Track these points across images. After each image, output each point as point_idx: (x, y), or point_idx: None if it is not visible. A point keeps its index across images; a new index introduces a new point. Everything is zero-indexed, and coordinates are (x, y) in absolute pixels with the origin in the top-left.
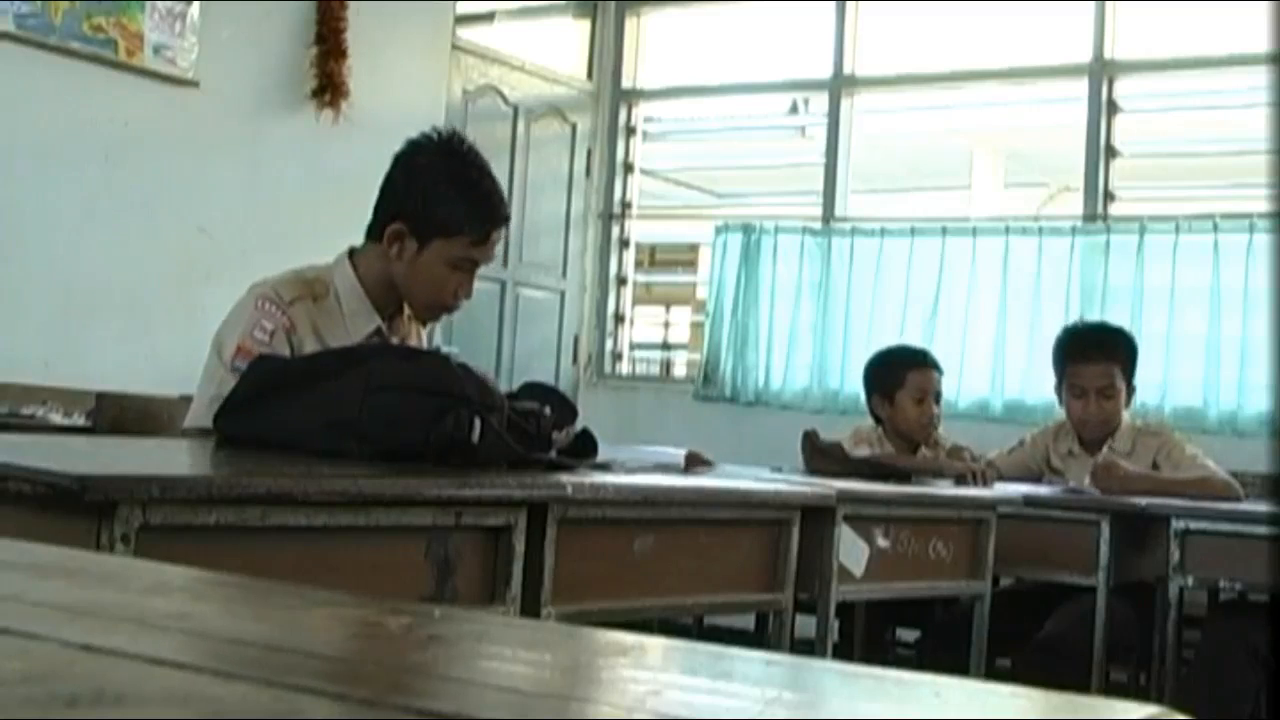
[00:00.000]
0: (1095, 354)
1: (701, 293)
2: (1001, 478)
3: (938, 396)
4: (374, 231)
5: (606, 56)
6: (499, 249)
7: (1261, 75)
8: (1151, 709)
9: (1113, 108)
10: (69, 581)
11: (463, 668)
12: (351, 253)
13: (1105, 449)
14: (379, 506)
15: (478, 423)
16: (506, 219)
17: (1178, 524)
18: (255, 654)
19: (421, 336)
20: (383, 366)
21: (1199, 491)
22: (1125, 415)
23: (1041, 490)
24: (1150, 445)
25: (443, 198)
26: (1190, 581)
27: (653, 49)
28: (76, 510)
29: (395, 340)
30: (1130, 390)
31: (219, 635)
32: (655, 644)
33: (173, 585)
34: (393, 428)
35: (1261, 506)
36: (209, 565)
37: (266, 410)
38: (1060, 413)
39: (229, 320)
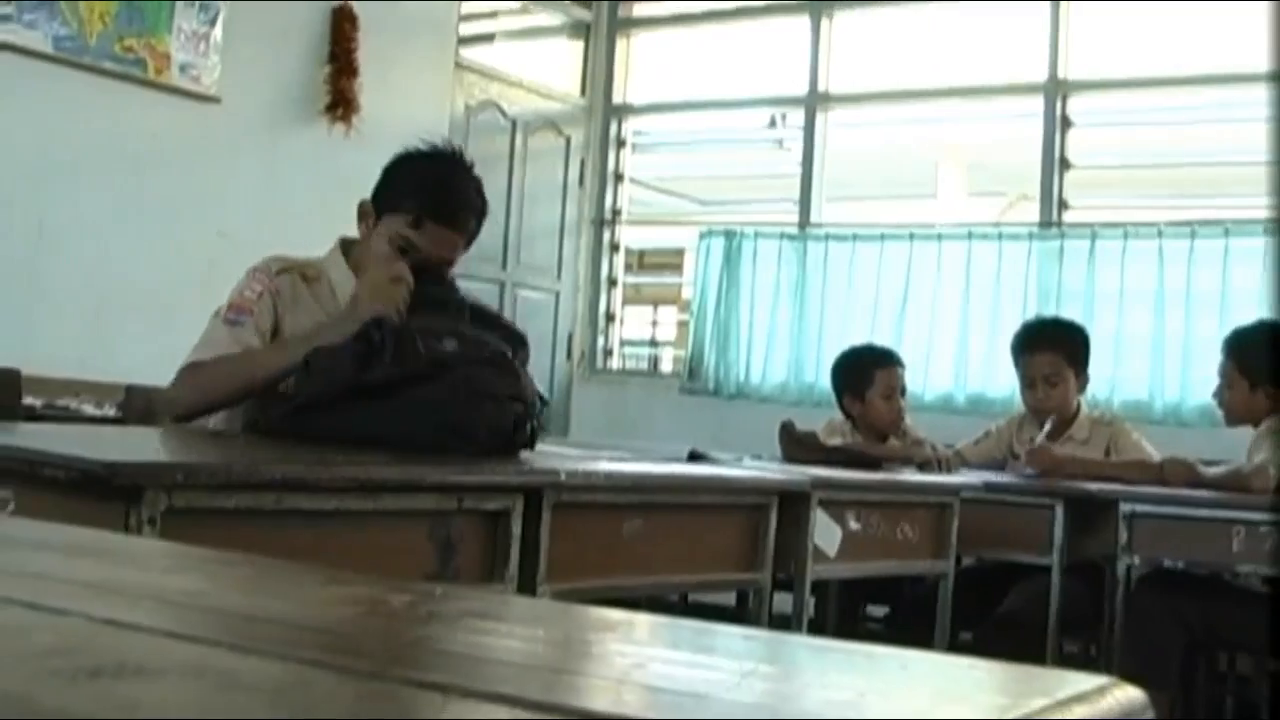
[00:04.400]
0: (1040, 345)
1: (686, 293)
2: (969, 466)
3: (902, 390)
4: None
5: (598, 74)
6: (495, 254)
7: (1202, 95)
8: (1101, 679)
9: (1066, 123)
10: (97, 561)
11: (460, 642)
12: (345, 243)
13: (1065, 436)
14: (386, 492)
15: (535, 424)
16: (454, 219)
17: (1125, 507)
18: (267, 629)
19: None
20: (480, 374)
21: (1122, 473)
22: (1084, 407)
23: (1001, 477)
24: (1104, 434)
25: (401, 177)
26: (1137, 560)
27: (641, 67)
28: (106, 495)
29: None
30: (1083, 380)
31: (234, 611)
32: (641, 620)
33: (192, 565)
34: (492, 431)
35: (1201, 492)
36: (229, 546)
37: (351, 410)
38: (1023, 405)
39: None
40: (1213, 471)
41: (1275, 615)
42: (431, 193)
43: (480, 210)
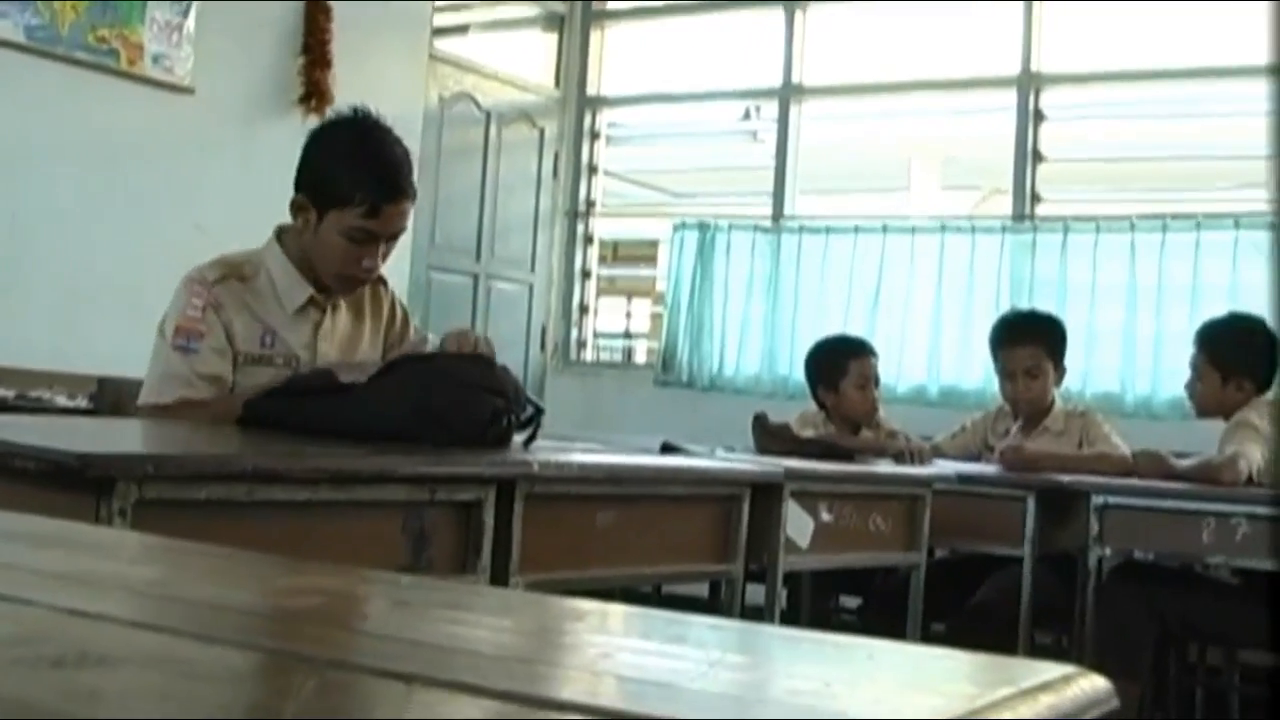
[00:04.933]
0: (1022, 338)
1: (660, 286)
2: (945, 459)
3: (876, 380)
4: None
5: (572, 66)
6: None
7: (1174, 89)
8: (1067, 669)
9: (1039, 117)
10: (64, 551)
11: (427, 632)
12: (280, 232)
13: (1041, 427)
14: (358, 483)
15: (512, 419)
16: (400, 194)
17: (1097, 499)
18: (232, 618)
19: (384, 302)
20: (460, 365)
21: (1094, 467)
22: (1059, 400)
23: (974, 468)
24: (1077, 425)
25: (337, 169)
26: (1108, 552)
27: (615, 59)
28: (77, 486)
29: (343, 306)
30: (1060, 372)
31: (199, 601)
32: (610, 610)
33: (159, 555)
34: (468, 421)
35: (1171, 483)
36: (201, 538)
37: (328, 397)
38: (999, 397)
39: (169, 308)
40: (1184, 463)
41: (1246, 607)
42: (379, 178)
43: (413, 167)
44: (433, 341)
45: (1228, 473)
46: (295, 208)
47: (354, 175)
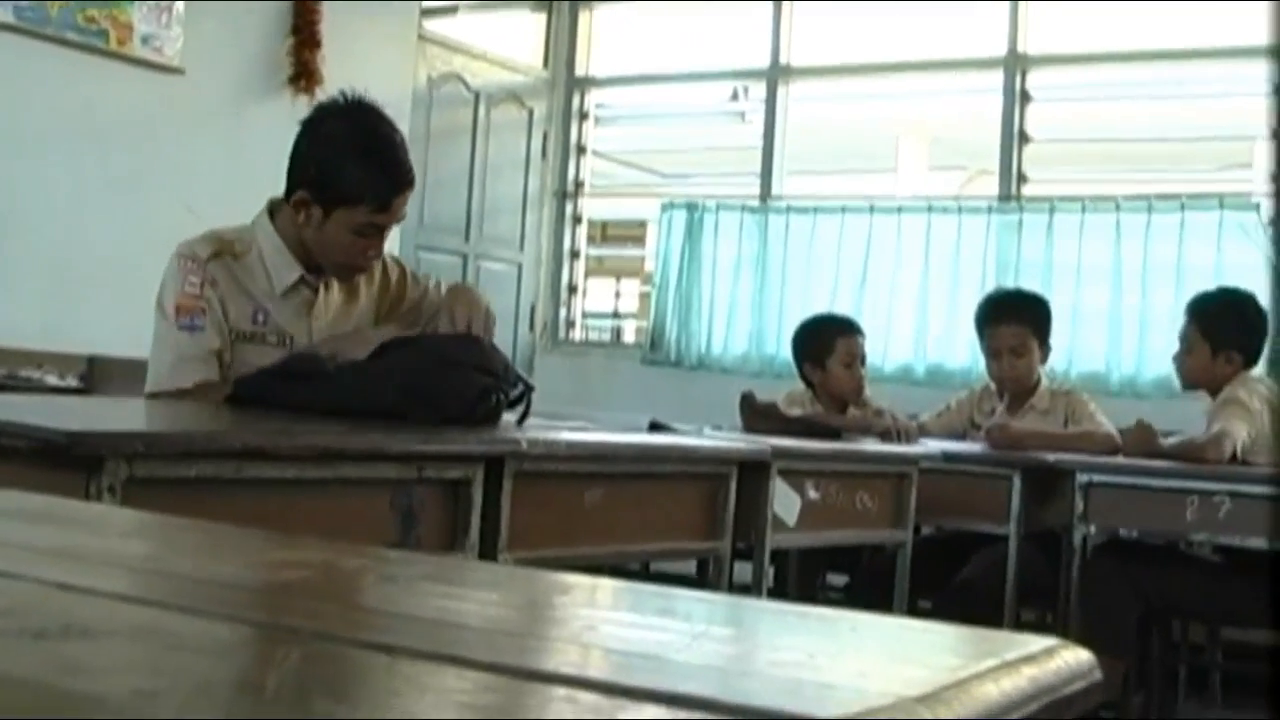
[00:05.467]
0: (1007, 316)
1: (649, 265)
2: (931, 438)
3: (863, 359)
4: (288, 194)
5: (561, 47)
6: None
7: (1159, 70)
8: (1050, 641)
9: (1025, 97)
10: (53, 527)
11: (413, 605)
12: (272, 209)
13: (1027, 406)
14: (347, 461)
15: (501, 396)
16: (409, 184)
17: (1082, 477)
18: (217, 592)
19: (375, 270)
20: (448, 344)
21: (1079, 445)
22: (1044, 379)
23: (960, 447)
24: (1063, 404)
25: (343, 167)
26: (1093, 529)
27: (604, 40)
28: (67, 464)
29: (334, 285)
30: (1045, 351)
31: (185, 575)
32: (595, 584)
33: (148, 531)
34: (457, 399)
35: (1156, 461)
36: (191, 515)
37: (318, 378)
38: (985, 376)
39: (163, 284)
40: (1170, 442)
41: (1228, 585)
42: (388, 174)
43: (408, 150)
44: (432, 288)
45: (1212, 451)
46: (297, 204)
47: (363, 173)
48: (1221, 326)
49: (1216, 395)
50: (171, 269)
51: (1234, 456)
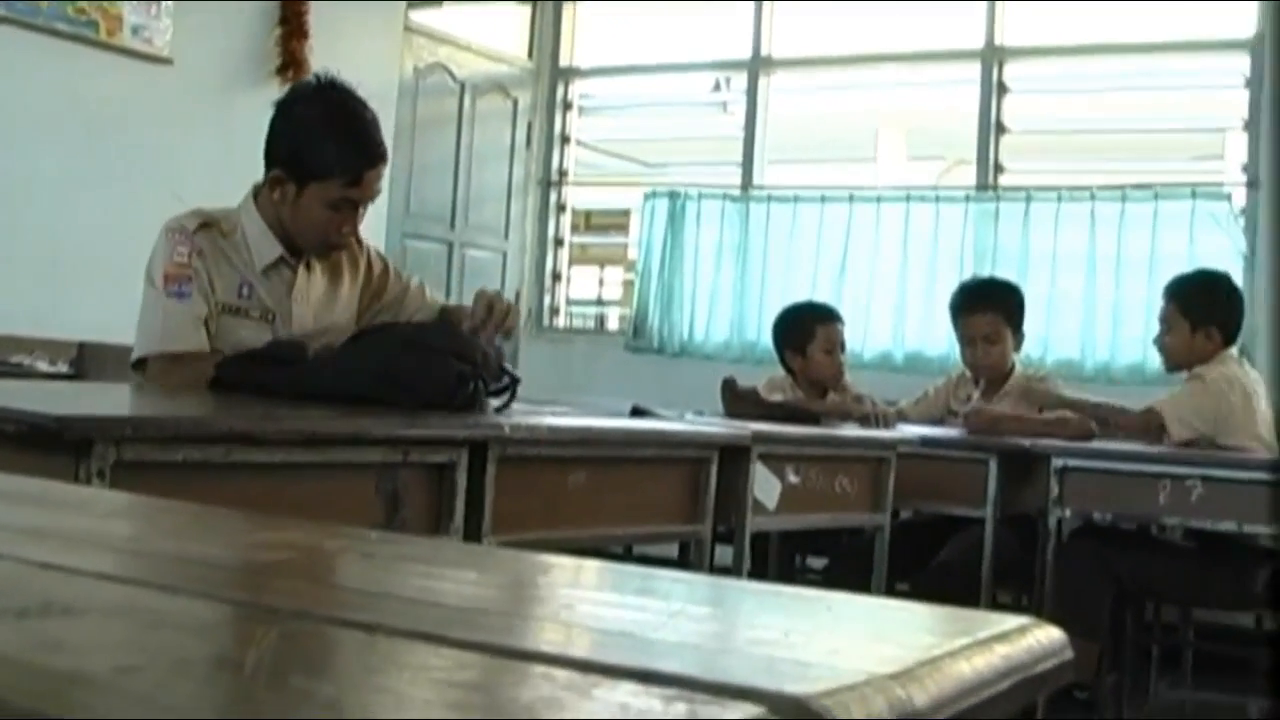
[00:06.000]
0: (979, 305)
1: (632, 253)
2: (908, 423)
3: (842, 345)
4: (266, 174)
5: (546, 38)
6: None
7: (1133, 63)
8: (1023, 620)
9: (1002, 89)
10: (38, 508)
11: (394, 584)
12: (256, 192)
13: (1001, 392)
14: (332, 445)
15: (480, 384)
16: (380, 159)
17: (1057, 462)
18: (199, 571)
19: (360, 257)
20: (424, 330)
21: (1054, 430)
22: (1019, 365)
23: (938, 432)
24: (1038, 391)
25: (314, 143)
26: (1068, 513)
27: (588, 31)
28: (56, 448)
29: (317, 268)
30: (1019, 338)
31: (168, 555)
32: (574, 564)
33: (132, 512)
34: (433, 385)
35: (1130, 446)
36: (177, 499)
37: (294, 366)
38: (961, 363)
39: (151, 257)
40: (1094, 402)
41: (1199, 568)
42: (359, 148)
43: (380, 127)
44: (414, 287)
45: (1138, 422)
46: (273, 182)
47: (333, 147)
48: (1199, 304)
49: None
50: (160, 242)
51: (1191, 442)
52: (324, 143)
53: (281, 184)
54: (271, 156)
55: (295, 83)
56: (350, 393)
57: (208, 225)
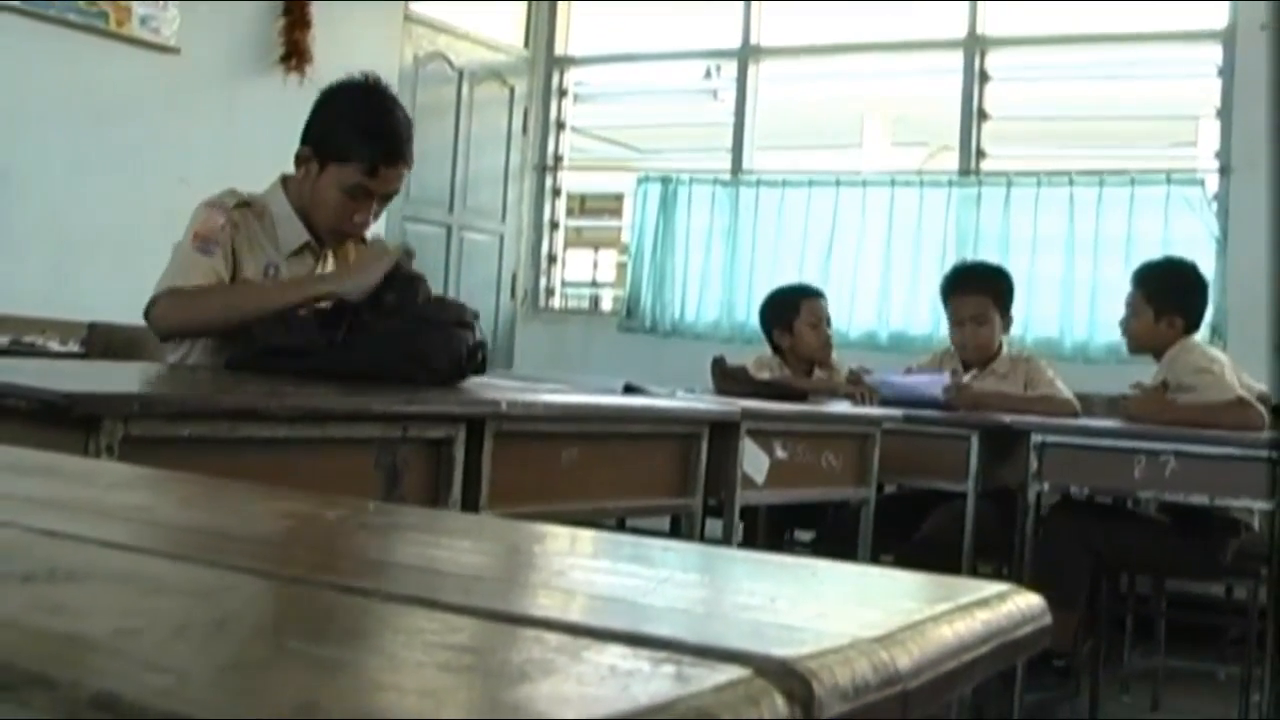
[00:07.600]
0: (970, 287)
1: (625, 236)
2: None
3: (828, 320)
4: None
5: (541, 27)
6: (438, 195)
7: (1111, 52)
8: (1003, 586)
9: (984, 77)
10: (45, 479)
11: (392, 552)
12: (285, 179)
13: (988, 370)
14: (333, 421)
15: (484, 351)
16: (399, 158)
17: (1036, 438)
18: (201, 539)
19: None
20: (427, 309)
21: (1039, 408)
22: (1005, 345)
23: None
24: (1022, 369)
25: (343, 127)
26: (1046, 487)
27: (582, 21)
28: (66, 424)
29: (333, 263)
30: (1007, 320)
31: (171, 524)
32: (567, 533)
33: (137, 483)
34: (451, 357)
35: (1106, 423)
36: (183, 473)
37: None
38: (946, 342)
39: (187, 226)
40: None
41: (1172, 540)
42: (383, 141)
43: (413, 135)
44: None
45: (1235, 414)
46: (299, 159)
47: (357, 134)
48: (1164, 292)
49: (1161, 357)
50: (197, 211)
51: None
52: (351, 130)
53: (307, 162)
54: (305, 136)
55: (345, 77)
56: (381, 372)
57: (245, 204)
